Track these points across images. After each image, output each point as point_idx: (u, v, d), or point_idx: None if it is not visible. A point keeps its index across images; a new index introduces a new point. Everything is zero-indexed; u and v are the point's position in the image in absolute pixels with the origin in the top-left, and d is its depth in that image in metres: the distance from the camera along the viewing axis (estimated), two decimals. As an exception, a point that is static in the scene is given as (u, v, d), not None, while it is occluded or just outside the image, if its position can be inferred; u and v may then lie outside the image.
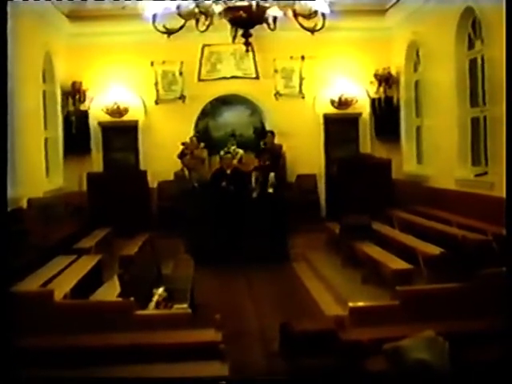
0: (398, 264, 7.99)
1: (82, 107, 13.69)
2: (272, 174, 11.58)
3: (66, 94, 13.48)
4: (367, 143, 14.38)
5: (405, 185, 12.81)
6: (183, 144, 13.04)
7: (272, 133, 13.35)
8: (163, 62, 13.87)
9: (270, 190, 11.45)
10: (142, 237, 10.91)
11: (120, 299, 5.69)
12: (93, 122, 13.89)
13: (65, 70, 13.36)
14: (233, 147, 13.34)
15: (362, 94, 14.23)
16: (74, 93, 13.55)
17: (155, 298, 6.04)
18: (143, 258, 8.31)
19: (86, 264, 8.48)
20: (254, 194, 11.39)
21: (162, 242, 10.92)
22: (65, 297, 6.58)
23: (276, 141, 13.23)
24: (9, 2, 5.19)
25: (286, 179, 13.27)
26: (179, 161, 12.96)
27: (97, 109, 13.86)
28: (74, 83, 13.52)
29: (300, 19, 6.64)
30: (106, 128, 14.04)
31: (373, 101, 14.17)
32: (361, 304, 5.44)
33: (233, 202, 10.91)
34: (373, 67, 13.98)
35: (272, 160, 12.37)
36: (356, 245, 9.49)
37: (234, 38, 6.84)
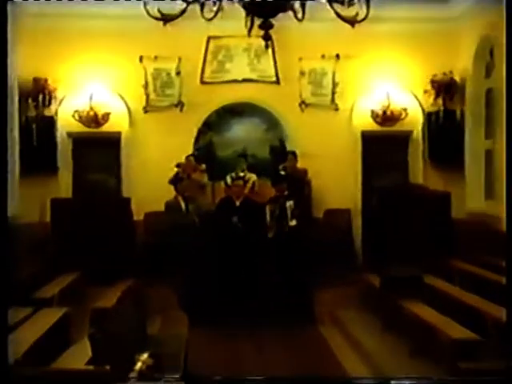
0: (459, 332, 7.92)
1: (47, 112, 13.80)
2: (291, 202, 11.54)
3: (24, 95, 13.52)
4: (419, 170, 14.42)
5: (469, 227, 12.75)
6: (178, 166, 13.07)
7: (294, 154, 13.38)
8: (155, 58, 14.02)
9: (293, 223, 11.38)
10: (121, 285, 10.85)
11: (91, 367, 5.66)
12: (61, 132, 14.01)
13: (24, 62, 13.31)
14: (242, 172, 13.33)
15: (413, 106, 14.32)
16: (36, 93, 13.59)
17: (138, 367, 5.99)
18: (123, 313, 8.27)
19: (47, 319, 8.44)
20: (270, 234, 11.35)
21: (149, 293, 10.90)
22: (17, 362, 6.54)
23: (299, 164, 13.25)
24: (9, 2, 5.35)
25: (311, 214, 13.25)
26: (172, 187, 12.98)
27: (66, 115, 14.00)
28: (36, 80, 13.57)
29: (336, 7, 6.69)
30: (77, 140, 14.15)
31: (428, 115, 14.24)
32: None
33: (242, 242, 10.90)
34: (429, 71, 14.08)
35: (293, 189, 12.36)
36: (403, 304, 9.43)
37: (250, 29, 6.88)
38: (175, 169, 13.03)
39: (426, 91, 14.14)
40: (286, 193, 11.71)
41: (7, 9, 5.32)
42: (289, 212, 11.38)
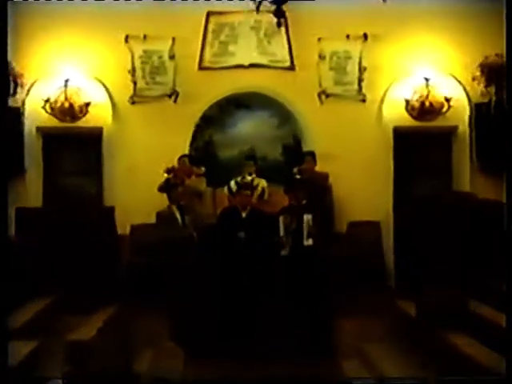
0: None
1: (13, 102, 13.79)
2: (309, 217, 11.54)
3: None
4: (465, 175, 14.43)
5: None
6: (168, 171, 13.00)
7: (312, 155, 13.40)
8: (145, 38, 14.10)
9: (309, 242, 11.40)
10: (102, 313, 10.91)
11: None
12: (29, 127, 14.06)
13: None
14: (250, 177, 13.35)
15: (458, 96, 14.32)
16: (0, 79, 13.71)
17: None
18: (104, 347, 8.33)
19: (14, 355, 8.48)
20: (284, 251, 11.36)
21: (136, 322, 10.93)
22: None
23: (318, 167, 13.28)
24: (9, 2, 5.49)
25: (332, 227, 13.26)
26: (164, 194, 13.00)
27: (36, 106, 14.03)
28: (-2, 63, 13.68)
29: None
30: (49, 137, 14.22)
31: (477, 107, 14.25)
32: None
33: (249, 261, 10.94)
34: (478, 52, 14.03)
35: (311, 197, 12.40)
36: (444, 336, 9.45)
37: (259, 4, 6.93)
38: (165, 175, 12.94)
39: (474, 78, 14.08)
40: (303, 202, 11.71)
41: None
42: (306, 228, 11.36)
